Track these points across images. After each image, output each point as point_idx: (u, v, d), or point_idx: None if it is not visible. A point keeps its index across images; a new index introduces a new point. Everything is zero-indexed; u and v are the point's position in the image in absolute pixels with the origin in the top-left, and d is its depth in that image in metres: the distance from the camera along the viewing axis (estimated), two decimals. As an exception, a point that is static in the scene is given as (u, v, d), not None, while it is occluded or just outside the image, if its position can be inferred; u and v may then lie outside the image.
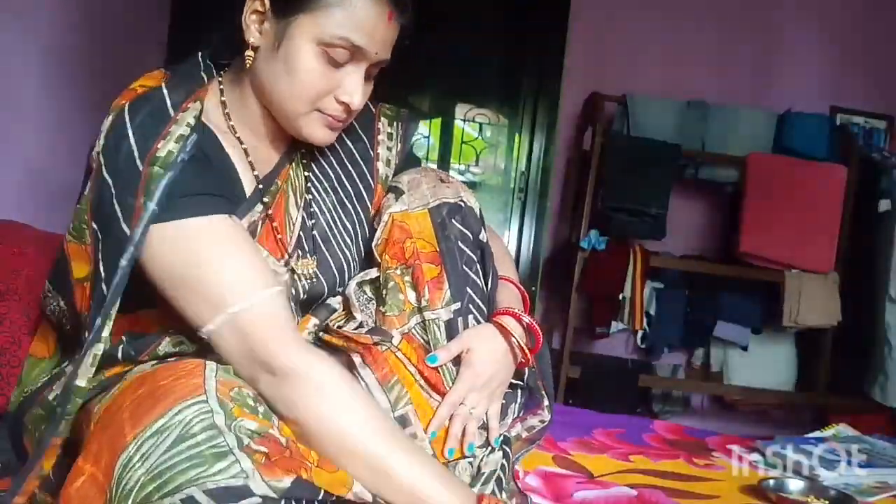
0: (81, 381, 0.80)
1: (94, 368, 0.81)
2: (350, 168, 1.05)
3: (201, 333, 0.84)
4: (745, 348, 3.24)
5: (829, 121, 3.28)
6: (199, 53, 1.00)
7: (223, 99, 0.96)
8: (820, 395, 3.15)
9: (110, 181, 0.83)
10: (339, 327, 0.96)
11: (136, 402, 0.75)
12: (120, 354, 0.90)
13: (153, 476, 0.68)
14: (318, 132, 0.94)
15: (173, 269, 0.83)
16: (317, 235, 1.00)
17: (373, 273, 1.00)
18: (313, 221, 1.00)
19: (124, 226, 0.81)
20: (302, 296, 0.99)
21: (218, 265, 0.83)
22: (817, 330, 3.08)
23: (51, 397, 0.93)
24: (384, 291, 0.97)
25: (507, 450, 1.00)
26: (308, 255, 0.99)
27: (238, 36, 0.92)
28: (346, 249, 1.03)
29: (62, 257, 0.93)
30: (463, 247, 1.00)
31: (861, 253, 3.07)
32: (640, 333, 3.27)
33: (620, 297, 3.02)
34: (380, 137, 1.08)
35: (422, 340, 0.96)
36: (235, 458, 0.70)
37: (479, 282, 1.01)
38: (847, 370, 3.12)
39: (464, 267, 0.99)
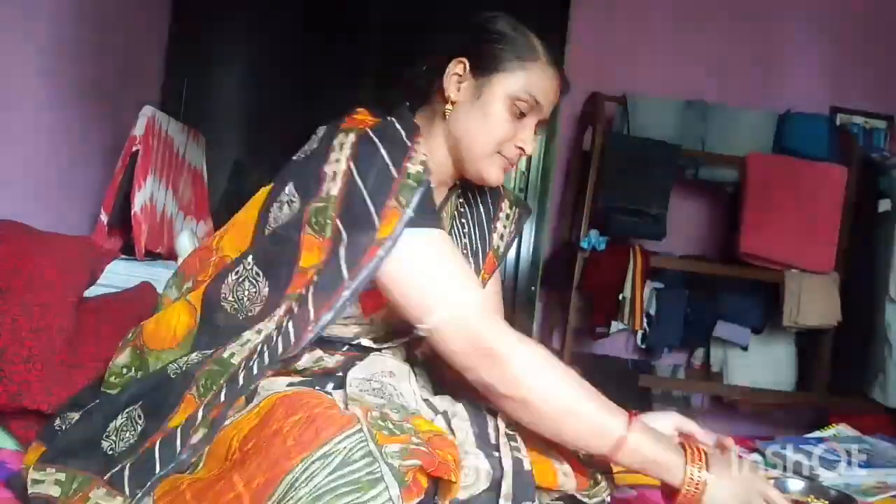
0: (286, 355, 0.93)
1: (300, 351, 0.95)
2: (477, 230, 1.26)
3: (422, 327, 0.98)
4: (745, 348, 3.24)
5: (829, 121, 3.28)
6: (407, 104, 1.17)
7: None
8: (820, 395, 3.15)
9: (361, 184, 0.96)
10: None
11: (299, 428, 0.82)
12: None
13: (315, 497, 0.75)
14: (494, 172, 1.13)
15: (416, 269, 0.97)
16: None
17: None
18: None
19: (376, 219, 0.94)
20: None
21: (450, 267, 0.99)
22: (817, 330, 3.08)
23: (227, 356, 0.97)
24: None
25: None
26: None
27: (428, 91, 1.15)
28: None
29: (286, 249, 1.00)
30: None
31: (861, 253, 3.07)
32: (640, 333, 3.27)
33: (620, 297, 3.02)
34: (501, 214, 1.28)
35: None
36: (386, 486, 0.77)
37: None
38: (847, 370, 3.12)
39: None
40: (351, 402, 0.94)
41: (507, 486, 0.93)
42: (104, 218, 2.22)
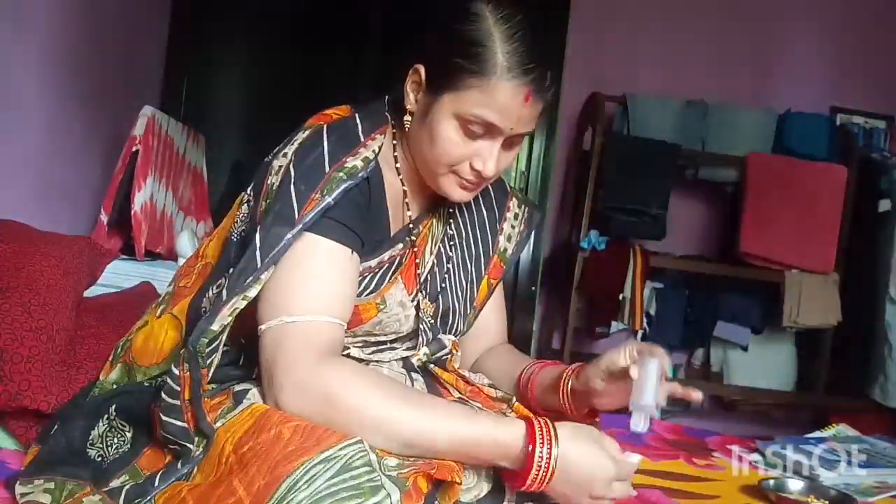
0: (215, 326, 0.88)
1: (231, 319, 0.89)
2: (478, 233, 1.17)
3: (259, 327, 0.91)
4: (745, 348, 3.24)
5: (829, 121, 3.28)
6: (386, 98, 1.09)
7: (394, 142, 1.07)
8: (820, 396, 3.15)
9: (293, 172, 0.93)
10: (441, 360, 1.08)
11: (300, 435, 0.81)
12: (241, 359, 0.99)
13: (315, 500, 0.74)
14: (453, 191, 1.03)
15: (281, 271, 0.91)
16: (440, 285, 1.10)
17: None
18: (438, 270, 1.11)
19: (295, 207, 0.91)
20: (425, 331, 1.07)
21: (314, 282, 0.92)
22: (817, 330, 3.08)
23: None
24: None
25: None
26: (433, 300, 1.09)
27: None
28: (457, 301, 1.13)
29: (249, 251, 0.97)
30: None
31: (861, 253, 3.07)
32: (640, 333, 3.27)
33: (620, 297, 3.02)
34: (508, 214, 1.21)
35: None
36: (387, 493, 0.76)
37: None
38: (847, 370, 3.12)
39: None
40: None
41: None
42: (104, 218, 2.22)
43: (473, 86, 0.94)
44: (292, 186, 0.92)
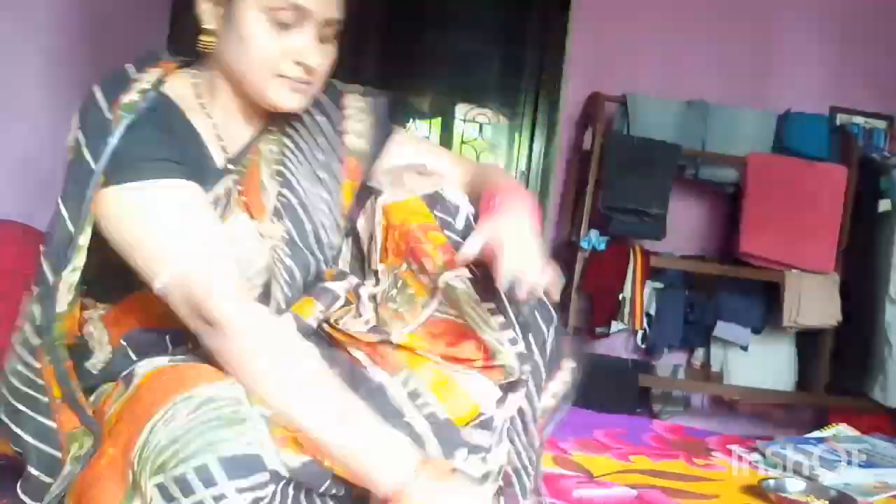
0: (59, 307, 0.87)
1: (72, 295, 0.88)
2: (317, 141, 1.07)
3: (155, 291, 0.87)
4: (745, 348, 3.23)
5: (829, 121, 3.28)
6: (158, 48, 1.05)
7: (194, 82, 1.01)
8: (820, 395, 3.15)
9: (81, 137, 0.89)
10: (344, 323, 0.98)
11: (164, 384, 0.79)
12: (135, 360, 0.94)
13: (172, 439, 0.71)
14: (285, 98, 0.97)
15: (130, 231, 0.87)
16: (293, 203, 1.02)
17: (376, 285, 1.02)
18: (286, 190, 1.02)
19: (91, 162, 0.87)
20: (287, 263, 0.99)
21: (170, 225, 0.87)
22: (817, 330, 3.08)
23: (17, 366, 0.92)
24: (393, 291, 0.98)
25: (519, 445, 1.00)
26: (280, 221, 1.01)
27: (197, 26, 0.97)
28: (322, 216, 1.04)
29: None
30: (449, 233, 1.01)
31: (861, 253, 3.06)
32: (640, 333, 3.27)
33: (620, 297, 3.02)
34: (347, 112, 1.10)
35: (446, 315, 0.96)
36: (253, 425, 0.73)
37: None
38: (847, 370, 3.12)
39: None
40: None
41: (431, 447, 0.89)
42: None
43: None
44: (84, 149, 0.89)
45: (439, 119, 3.37)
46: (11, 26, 1.95)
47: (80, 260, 0.87)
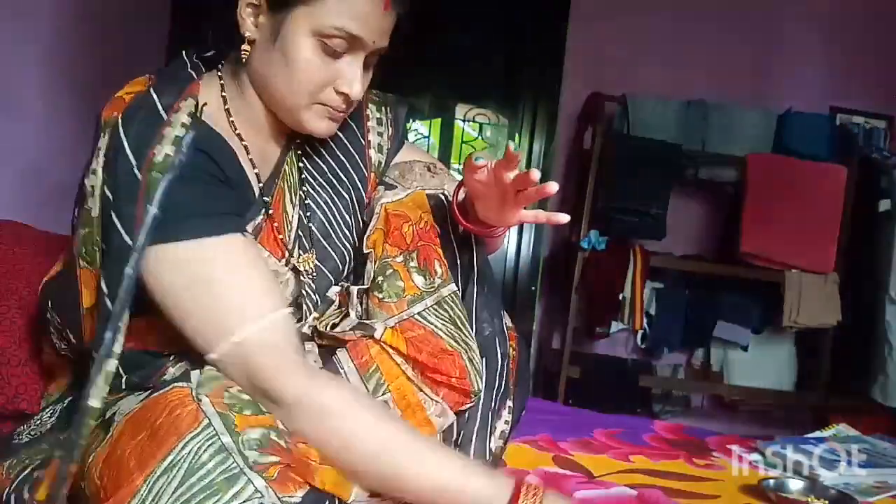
0: (95, 402, 0.77)
1: (107, 388, 0.78)
2: (343, 159, 1.04)
3: (209, 360, 0.82)
4: (745, 348, 3.23)
5: (829, 121, 3.28)
6: (184, 52, 0.99)
7: (223, 94, 0.95)
8: (820, 395, 3.15)
9: (110, 195, 0.82)
10: (334, 325, 0.95)
11: (139, 447, 0.73)
12: (124, 385, 0.88)
13: None
14: (320, 125, 0.93)
15: (178, 292, 0.81)
16: (315, 230, 0.99)
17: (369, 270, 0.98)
18: (309, 214, 0.99)
19: (125, 236, 0.80)
20: (310, 294, 0.97)
21: (223, 288, 0.81)
22: (817, 330, 3.08)
23: (45, 421, 0.91)
24: (380, 279, 0.94)
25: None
26: (307, 251, 0.98)
27: (236, 30, 0.91)
28: (345, 241, 1.02)
29: (69, 284, 0.90)
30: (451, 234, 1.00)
31: (861, 253, 3.06)
32: (640, 333, 3.27)
33: (620, 297, 3.02)
34: (369, 125, 1.07)
35: (430, 324, 0.92)
36: (248, 479, 0.70)
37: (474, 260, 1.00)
38: (847, 370, 3.12)
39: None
40: (206, 381, 0.79)
41: None
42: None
43: None
44: (113, 214, 0.81)
45: (439, 119, 3.37)
46: (11, 27, 1.95)
47: (119, 346, 0.80)
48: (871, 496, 1.31)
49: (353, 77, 0.91)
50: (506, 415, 1.02)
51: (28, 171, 2.13)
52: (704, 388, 3.39)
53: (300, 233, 0.98)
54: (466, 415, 0.96)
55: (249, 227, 0.91)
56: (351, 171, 1.04)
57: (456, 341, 0.92)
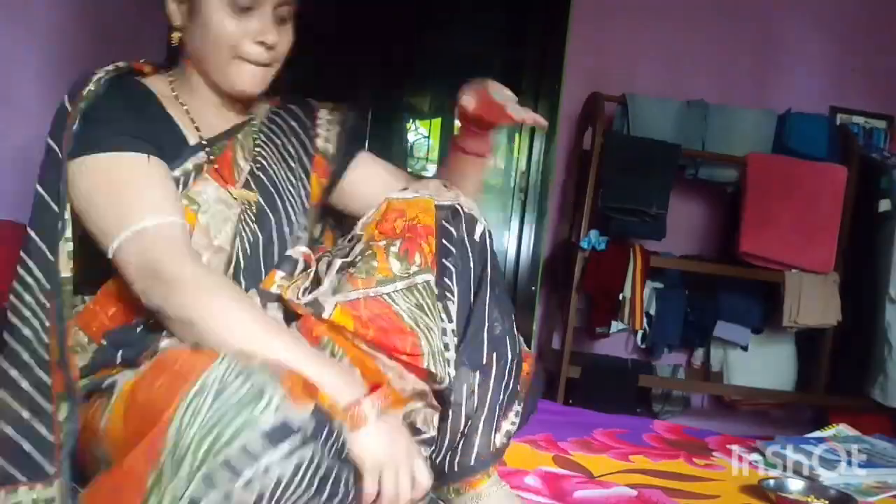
0: (65, 272, 0.92)
1: (70, 266, 0.93)
2: (290, 139, 1.17)
3: (109, 255, 0.93)
4: (745, 348, 3.23)
5: (829, 121, 3.28)
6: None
7: (171, 80, 1.09)
8: (820, 396, 3.15)
9: (49, 135, 0.96)
10: (306, 289, 1.01)
11: (163, 388, 0.79)
12: (119, 359, 0.95)
13: (207, 431, 0.72)
14: (245, 78, 1.06)
15: (92, 196, 0.94)
16: (264, 179, 1.09)
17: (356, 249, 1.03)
18: (258, 168, 1.10)
19: (58, 152, 0.94)
20: (249, 223, 1.04)
21: (132, 190, 0.94)
22: (817, 330, 3.08)
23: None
24: (359, 258, 1.00)
25: None
26: (252, 190, 1.07)
27: (169, 27, 1.07)
28: (290, 194, 1.12)
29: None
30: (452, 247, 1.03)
31: (861, 253, 3.07)
32: (640, 333, 3.27)
33: (620, 297, 3.02)
34: (319, 121, 1.21)
35: (395, 303, 0.96)
36: (273, 392, 0.74)
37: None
38: (847, 370, 3.12)
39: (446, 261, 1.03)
40: None
41: None
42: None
43: None
44: (50, 141, 0.96)
45: (439, 119, 3.37)
46: (12, 27, 1.95)
47: (69, 231, 0.93)
48: (871, 496, 1.31)
49: (263, 26, 1.03)
50: (513, 416, 1.08)
51: (29, 171, 2.13)
52: (704, 388, 3.39)
53: (249, 179, 1.08)
54: (475, 402, 1.01)
55: (180, 169, 1.01)
56: (299, 147, 1.17)
57: (417, 324, 0.96)
